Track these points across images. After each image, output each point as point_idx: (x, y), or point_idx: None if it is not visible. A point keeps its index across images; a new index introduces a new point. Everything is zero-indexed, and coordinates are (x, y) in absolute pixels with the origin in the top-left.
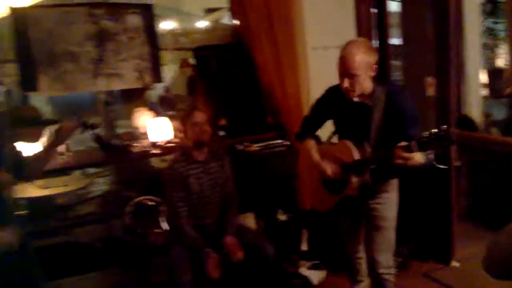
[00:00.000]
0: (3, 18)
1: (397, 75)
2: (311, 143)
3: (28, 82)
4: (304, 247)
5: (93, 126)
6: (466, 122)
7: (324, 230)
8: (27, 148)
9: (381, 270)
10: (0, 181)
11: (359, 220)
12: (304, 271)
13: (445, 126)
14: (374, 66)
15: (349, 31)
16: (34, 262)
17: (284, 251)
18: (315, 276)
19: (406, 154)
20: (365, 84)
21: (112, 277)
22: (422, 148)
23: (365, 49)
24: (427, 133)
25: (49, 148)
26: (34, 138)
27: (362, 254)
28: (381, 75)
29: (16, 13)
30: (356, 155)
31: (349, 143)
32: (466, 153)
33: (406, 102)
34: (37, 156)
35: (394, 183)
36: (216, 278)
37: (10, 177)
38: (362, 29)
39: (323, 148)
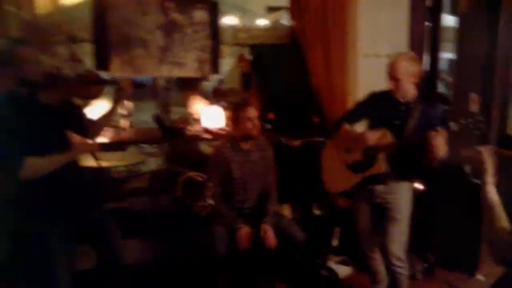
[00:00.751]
0: (84, 2)
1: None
2: (349, 126)
3: (101, 62)
4: (334, 242)
5: (141, 85)
6: (509, 142)
7: (354, 229)
8: (93, 108)
9: (394, 261)
10: (75, 144)
11: (376, 217)
12: (332, 264)
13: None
14: (417, 75)
15: (402, 42)
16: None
17: (315, 244)
18: (342, 270)
19: (439, 138)
20: (408, 87)
21: (156, 245)
22: (461, 127)
23: (410, 59)
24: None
25: (114, 105)
26: (96, 95)
27: (378, 255)
28: (430, 86)
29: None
30: (392, 139)
31: (387, 130)
32: (504, 172)
33: (439, 113)
34: (102, 116)
35: (409, 184)
36: (246, 248)
37: (82, 139)
38: (415, 41)
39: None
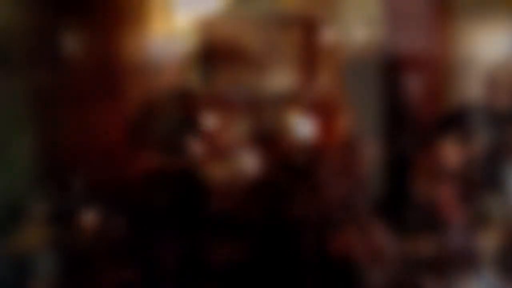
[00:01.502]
0: (189, 26)
1: None
2: (440, 141)
3: (206, 78)
4: None
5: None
6: None
7: None
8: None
9: None
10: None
11: None
12: None
13: None
14: None
15: (503, 48)
16: None
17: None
18: None
19: None
20: (506, 96)
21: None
22: None
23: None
24: None
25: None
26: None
27: None
28: None
29: (204, 23)
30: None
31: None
32: None
33: None
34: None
35: None
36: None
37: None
38: None
39: None
